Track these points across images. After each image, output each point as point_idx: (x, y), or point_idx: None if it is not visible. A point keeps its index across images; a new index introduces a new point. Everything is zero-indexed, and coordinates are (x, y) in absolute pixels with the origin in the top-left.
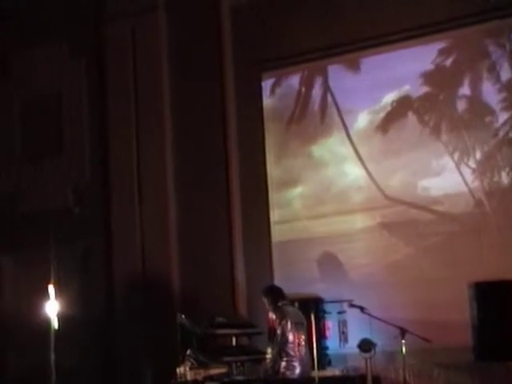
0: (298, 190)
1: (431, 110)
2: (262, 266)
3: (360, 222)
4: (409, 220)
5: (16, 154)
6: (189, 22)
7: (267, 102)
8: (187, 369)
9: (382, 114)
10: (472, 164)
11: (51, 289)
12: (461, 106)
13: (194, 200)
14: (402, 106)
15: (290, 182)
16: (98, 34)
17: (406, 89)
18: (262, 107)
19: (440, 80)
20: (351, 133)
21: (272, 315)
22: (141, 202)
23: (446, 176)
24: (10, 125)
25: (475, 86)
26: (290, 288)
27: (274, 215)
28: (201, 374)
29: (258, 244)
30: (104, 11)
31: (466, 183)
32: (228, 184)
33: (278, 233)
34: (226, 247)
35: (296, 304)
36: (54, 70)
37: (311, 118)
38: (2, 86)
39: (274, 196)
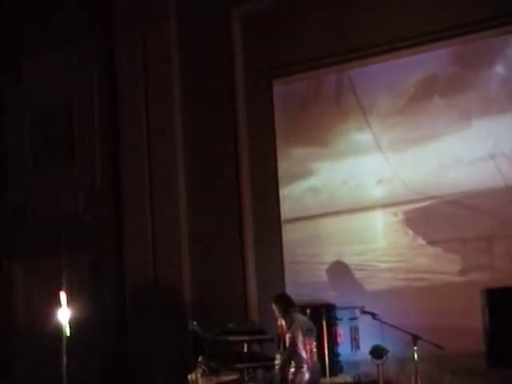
0: (309, 183)
1: (460, 91)
2: (274, 272)
3: (380, 219)
4: (436, 217)
5: (27, 163)
6: (199, 31)
7: (277, 89)
8: (199, 375)
9: (404, 97)
10: (508, 152)
11: (63, 296)
12: (494, 86)
13: (205, 207)
14: (427, 88)
15: (301, 174)
16: (109, 43)
17: (432, 68)
18: (273, 113)
19: (469, 58)
20: (370, 119)
21: (281, 322)
22: (152, 209)
23: (479, 166)
24: (21, 133)
25: (510, 63)
26: (301, 294)
27: (285, 212)
28: (212, 380)
29: (269, 250)
30: (115, 20)
31: (501, 174)
32: (239, 187)
33: (288, 232)
34: (237, 254)
35: (308, 310)
36: (65, 78)
37: (325, 102)
38: (13, 94)
39: (284, 190)
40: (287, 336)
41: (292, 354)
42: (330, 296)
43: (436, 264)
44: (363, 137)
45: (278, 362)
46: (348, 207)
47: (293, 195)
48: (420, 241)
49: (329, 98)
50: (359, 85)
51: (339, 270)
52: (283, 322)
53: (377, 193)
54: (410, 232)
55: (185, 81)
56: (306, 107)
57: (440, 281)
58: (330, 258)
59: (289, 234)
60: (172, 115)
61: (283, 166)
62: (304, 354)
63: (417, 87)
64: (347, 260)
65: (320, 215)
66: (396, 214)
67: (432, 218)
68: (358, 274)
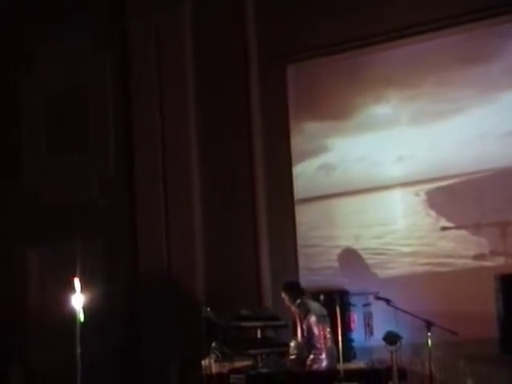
0: (323, 160)
1: (486, 61)
2: (287, 257)
3: (400, 199)
4: (460, 196)
5: (41, 149)
6: (213, 16)
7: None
8: (212, 361)
9: (425, 67)
10: None
11: (76, 282)
12: None
13: (219, 192)
14: (450, 57)
15: (314, 151)
16: (123, 29)
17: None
18: (286, 98)
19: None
20: (388, 90)
21: (295, 310)
22: (166, 195)
23: (506, 142)
24: (34, 120)
25: None
26: (314, 280)
27: (297, 192)
28: (226, 366)
29: (282, 235)
30: (128, 5)
31: None
32: (252, 172)
33: (301, 213)
34: (250, 239)
35: (321, 296)
36: (79, 65)
37: (340, 73)
38: (26, 81)
39: (296, 168)
40: (303, 324)
41: (310, 343)
42: (345, 282)
43: (460, 248)
44: (381, 110)
45: (292, 349)
46: (365, 186)
47: (305, 173)
48: (443, 222)
49: (344, 70)
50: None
51: (353, 254)
52: (298, 311)
53: (396, 171)
54: (433, 213)
55: (198, 66)
56: (320, 79)
57: (464, 266)
58: (345, 241)
59: (301, 215)
60: (186, 100)
61: (295, 142)
62: (321, 341)
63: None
64: (364, 243)
65: (335, 195)
66: (417, 194)
67: (456, 197)
68: (375, 259)
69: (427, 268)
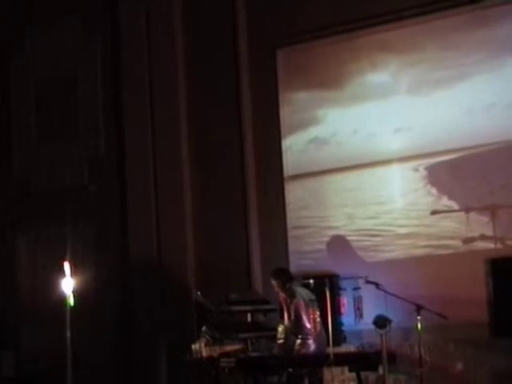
0: (314, 133)
1: (493, 23)
2: (277, 240)
3: (398, 175)
4: (464, 172)
5: (32, 133)
6: (204, 2)
7: None
8: (202, 345)
9: (426, 30)
10: None
11: (67, 266)
12: None
13: (209, 176)
14: (453, 19)
15: (304, 123)
16: (113, 14)
17: None
18: (277, 83)
19: None
20: (386, 56)
21: (282, 295)
22: (156, 178)
23: None
24: (25, 105)
25: None
26: (304, 265)
27: (287, 167)
28: (216, 350)
29: (273, 218)
30: None
31: None
32: (243, 157)
33: (291, 192)
34: (240, 223)
35: (311, 281)
36: (69, 50)
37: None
38: (17, 65)
39: (285, 141)
40: (290, 309)
41: (297, 326)
42: (335, 265)
43: (464, 229)
44: (377, 78)
45: (280, 333)
46: (359, 162)
47: (295, 148)
48: (445, 201)
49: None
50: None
51: (345, 236)
52: (284, 295)
53: (393, 144)
54: (434, 190)
55: (188, 52)
56: (311, 46)
57: (468, 248)
58: (337, 221)
59: (291, 193)
60: (176, 86)
61: (283, 113)
62: (308, 325)
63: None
64: (358, 224)
65: (326, 171)
66: (416, 169)
67: (460, 173)
68: (370, 241)
69: (427, 251)
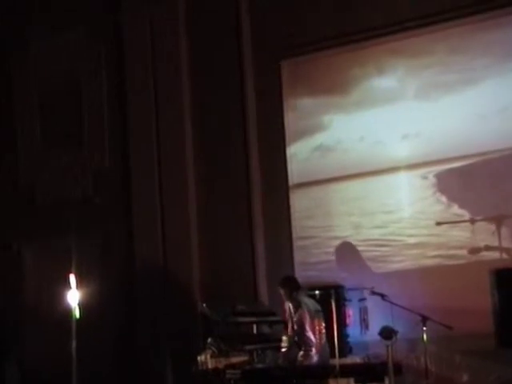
0: (319, 140)
1: (504, 25)
2: (283, 252)
3: (406, 183)
4: (475, 179)
5: (36, 144)
6: (207, 8)
7: None
8: (208, 357)
9: (435, 33)
10: None
11: (72, 278)
12: None
13: (214, 186)
14: (463, 21)
15: (309, 130)
16: (117, 20)
17: None
18: (281, 93)
19: None
20: (393, 60)
21: (288, 305)
22: (161, 189)
23: None
24: (29, 113)
25: None
26: (309, 276)
27: (292, 176)
28: (222, 362)
29: (278, 229)
30: None
31: None
32: (248, 165)
33: (296, 201)
34: (246, 234)
35: (316, 292)
36: (73, 56)
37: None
38: (20, 72)
39: (289, 148)
40: (294, 319)
41: (300, 337)
42: (341, 276)
43: (476, 238)
44: (384, 83)
45: (284, 344)
46: (366, 169)
47: (299, 156)
48: (455, 209)
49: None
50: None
51: (351, 246)
52: (290, 305)
53: (401, 151)
54: (443, 199)
55: (192, 58)
56: (314, 54)
57: (480, 258)
58: (343, 231)
59: (296, 202)
60: (180, 93)
61: (287, 120)
62: (312, 337)
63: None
64: (365, 234)
65: (332, 179)
66: (425, 177)
67: (471, 181)
68: (377, 251)
69: (436, 261)
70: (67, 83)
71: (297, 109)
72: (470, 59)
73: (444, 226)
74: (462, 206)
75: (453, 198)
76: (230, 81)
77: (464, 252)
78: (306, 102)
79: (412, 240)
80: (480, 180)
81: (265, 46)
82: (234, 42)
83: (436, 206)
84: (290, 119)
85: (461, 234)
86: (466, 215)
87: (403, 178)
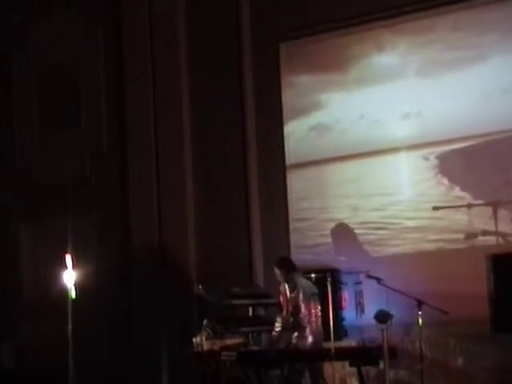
0: (316, 119)
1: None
2: (279, 233)
3: (406, 164)
4: (479, 160)
5: (33, 125)
6: None
7: None
8: (204, 339)
9: (437, 8)
10: None
11: (68, 258)
12: None
13: (211, 167)
14: None
15: (306, 108)
16: (116, 5)
17: None
18: (279, 78)
19: None
20: (394, 36)
21: (283, 287)
22: (158, 172)
23: None
24: (27, 96)
25: None
26: (306, 259)
27: (289, 155)
28: (217, 344)
29: (274, 211)
30: None
31: None
32: (245, 150)
33: (292, 182)
34: (243, 216)
35: (312, 275)
36: (71, 40)
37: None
38: (19, 56)
39: (287, 127)
40: (290, 300)
41: (295, 319)
42: (338, 260)
43: (480, 221)
44: (385, 60)
45: (278, 325)
46: (364, 149)
47: (296, 135)
48: (457, 192)
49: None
50: None
51: (348, 229)
52: (286, 286)
53: (402, 131)
54: (445, 180)
55: (191, 44)
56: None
57: (483, 243)
58: (340, 213)
59: (292, 183)
60: (178, 75)
61: (285, 97)
62: (307, 319)
63: None
64: (363, 216)
65: (329, 160)
66: (427, 158)
67: (473, 163)
68: (375, 234)
69: (436, 245)
70: (65, 66)
71: (294, 86)
72: (474, 36)
73: (445, 209)
74: (463, 189)
75: (455, 180)
76: (227, 59)
77: (462, 236)
78: (303, 79)
79: (411, 223)
80: (483, 162)
81: (263, 29)
82: (232, 21)
83: (437, 188)
84: (287, 96)
85: (462, 218)
86: (468, 197)
87: (403, 159)
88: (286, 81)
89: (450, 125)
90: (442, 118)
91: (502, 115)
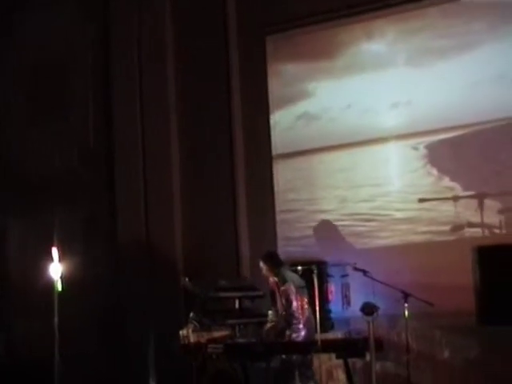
0: (303, 108)
1: None
2: (266, 226)
3: (395, 153)
4: (469, 151)
5: (21, 118)
6: None
7: None
8: (190, 331)
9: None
10: None
11: (55, 252)
12: None
13: (197, 159)
14: None
15: (292, 97)
16: (105, 0)
17: None
18: (266, 70)
19: None
20: (382, 23)
21: (273, 279)
22: (144, 166)
23: None
24: (14, 89)
25: None
26: (293, 251)
27: (275, 145)
28: (204, 336)
29: (261, 203)
30: None
31: None
32: (232, 141)
33: (279, 172)
34: (229, 209)
35: (299, 267)
36: (59, 35)
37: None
38: (6, 50)
39: (274, 116)
40: (282, 294)
41: (288, 311)
42: (324, 252)
43: (468, 213)
44: (373, 47)
45: (270, 318)
46: (353, 139)
47: (283, 124)
48: (447, 182)
49: None
50: None
51: (336, 221)
52: (276, 280)
53: (391, 120)
54: (434, 171)
55: (179, 39)
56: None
57: (470, 234)
58: (328, 204)
59: (279, 173)
60: (165, 66)
61: (272, 86)
62: (299, 311)
63: None
64: (351, 208)
65: (317, 150)
66: (416, 148)
67: (463, 152)
68: (364, 226)
69: (424, 237)
70: (53, 59)
71: (281, 75)
72: (464, 23)
73: (428, 204)
74: (453, 179)
75: (444, 171)
76: (214, 49)
77: (448, 228)
78: (290, 68)
79: (400, 214)
80: (472, 152)
81: (250, 21)
82: (219, 17)
83: (426, 178)
84: (274, 85)
85: (449, 209)
86: (458, 188)
87: (392, 149)
88: (272, 70)
89: (439, 114)
90: (431, 107)
91: (492, 104)
